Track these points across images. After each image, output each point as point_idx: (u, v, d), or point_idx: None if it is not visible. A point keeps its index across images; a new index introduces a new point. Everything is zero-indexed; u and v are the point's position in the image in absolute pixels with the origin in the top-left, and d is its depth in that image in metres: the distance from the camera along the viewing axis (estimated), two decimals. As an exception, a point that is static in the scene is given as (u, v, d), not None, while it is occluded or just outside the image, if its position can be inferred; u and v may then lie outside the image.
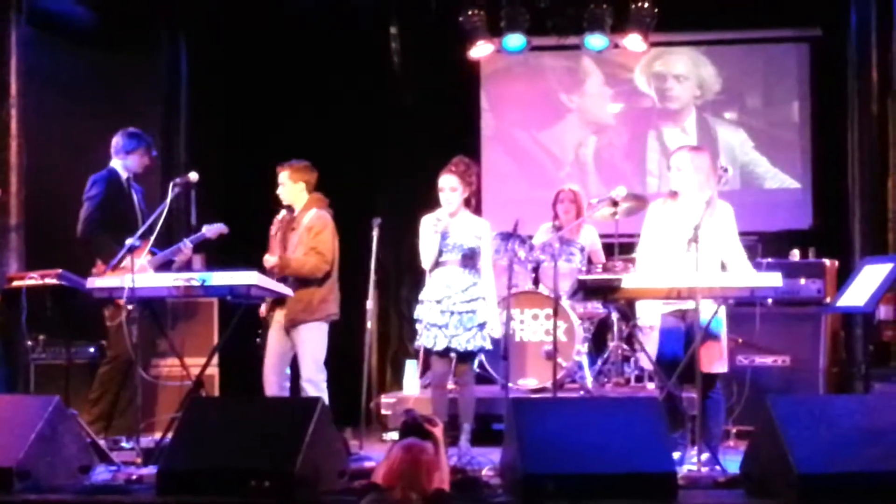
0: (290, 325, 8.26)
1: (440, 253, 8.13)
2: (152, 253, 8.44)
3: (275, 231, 8.49)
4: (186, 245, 8.70)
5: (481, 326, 8.08)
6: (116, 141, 8.84)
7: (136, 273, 7.63)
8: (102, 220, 8.64)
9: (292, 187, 8.42)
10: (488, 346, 8.21)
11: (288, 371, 8.37)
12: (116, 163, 8.82)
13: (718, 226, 7.37)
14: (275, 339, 8.34)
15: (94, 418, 8.33)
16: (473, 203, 8.28)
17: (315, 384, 8.24)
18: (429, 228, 8.09)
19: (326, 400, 8.12)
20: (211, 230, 8.79)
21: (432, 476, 5.49)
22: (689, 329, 7.33)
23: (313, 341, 8.29)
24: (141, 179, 9.09)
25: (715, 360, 7.32)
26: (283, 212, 8.49)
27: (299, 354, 8.31)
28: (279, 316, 8.29)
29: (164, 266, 8.57)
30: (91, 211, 8.67)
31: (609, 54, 11.34)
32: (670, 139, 11.68)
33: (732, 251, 7.42)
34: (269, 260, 8.20)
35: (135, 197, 8.88)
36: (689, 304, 7.29)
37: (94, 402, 8.49)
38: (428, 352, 8.28)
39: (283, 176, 8.42)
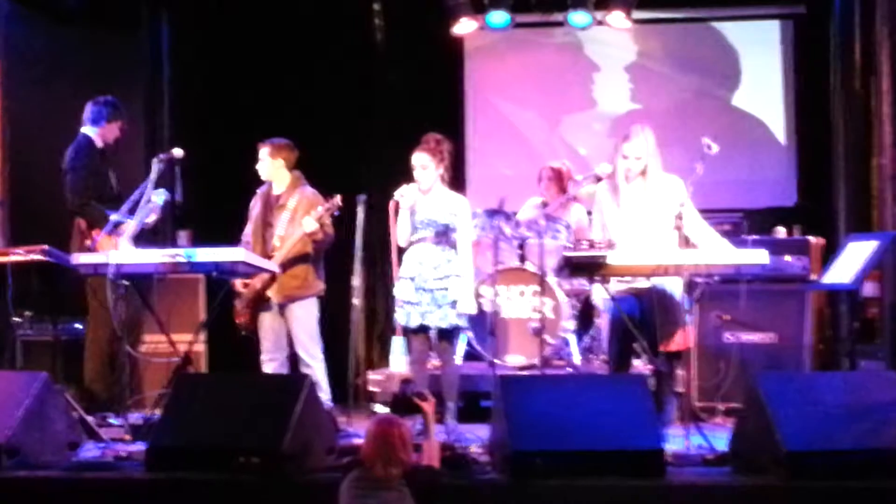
0: (285, 301, 8.28)
1: (414, 230, 8.13)
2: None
3: (254, 205, 8.49)
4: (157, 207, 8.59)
5: (454, 304, 8.08)
6: (88, 109, 8.76)
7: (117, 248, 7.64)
8: (91, 188, 8.59)
9: (271, 164, 8.43)
10: (463, 323, 8.24)
11: (287, 348, 8.42)
12: (90, 130, 8.73)
13: (669, 200, 7.36)
14: (269, 319, 8.37)
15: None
16: (448, 179, 8.26)
17: (314, 357, 8.32)
18: (400, 205, 8.10)
19: (325, 372, 8.21)
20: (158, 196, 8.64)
21: (408, 449, 5.51)
22: (642, 305, 7.38)
23: (308, 316, 8.36)
24: (125, 155, 9.06)
25: (676, 338, 7.36)
26: (263, 187, 8.49)
27: (294, 330, 8.34)
28: (271, 291, 8.29)
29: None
30: (80, 179, 8.58)
31: (592, 31, 11.31)
32: (657, 115, 11.68)
33: (693, 223, 7.41)
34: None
35: (108, 166, 8.80)
36: (642, 283, 7.34)
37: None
38: (404, 329, 8.29)
39: (263, 153, 8.43)
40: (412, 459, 5.60)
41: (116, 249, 7.59)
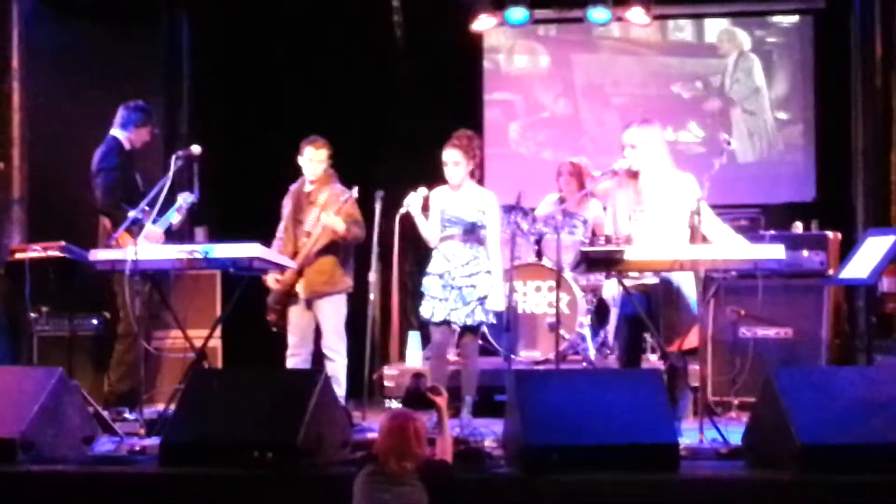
0: (312, 297, 8.33)
1: (443, 227, 8.14)
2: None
3: (286, 203, 8.53)
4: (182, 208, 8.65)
5: (481, 300, 8.10)
6: (122, 113, 8.81)
7: (151, 243, 7.66)
8: (121, 190, 8.62)
9: (324, 163, 8.46)
10: (491, 319, 8.26)
11: (311, 344, 8.46)
12: (119, 133, 8.79)
13: (683, 197, 7.34)
14: (297, 314, 8.42)
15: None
16: (478, 175, 8.28)
17: (338, 353, 8.38)
18: (432, 204, 8.10)
19: (345, 366, 8.26)
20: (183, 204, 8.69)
21: (422, 443, 5.52)
22: (650, 301, 7.38)
23: (335, 313, 8.42)
24: (143, 152, 9.08)
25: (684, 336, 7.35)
26: (295, 185, 8.52)
27: (321, 326, 8.40)
28: (298, 287, 8.33)
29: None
30: (113, 181, 8.64)
31: (612, 26, 11.29)
32: (675, 111, 11.67)
33: (708, 220, 7.37)
34: (335, 220, 8.20)
35: (135, 169, 8.85)
36: (650, 279, 7.35)
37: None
38: (427, 322, 8.29)
39: (322, 154, 8.44)
40: (426, 454, 5.60)
41: (135, 246, 7.59)
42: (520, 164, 11.88)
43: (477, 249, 8.15)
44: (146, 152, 9.14)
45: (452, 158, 8.14)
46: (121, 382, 8.59)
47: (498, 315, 8.40)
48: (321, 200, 8.37)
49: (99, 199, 8.66)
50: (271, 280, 8.39)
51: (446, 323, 8.16)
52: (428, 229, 8.17)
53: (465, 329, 8.19)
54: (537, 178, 10.75)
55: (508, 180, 11.17)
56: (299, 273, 8.29)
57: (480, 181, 8.48)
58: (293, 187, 8.57)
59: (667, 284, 7.35)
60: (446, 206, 8.18)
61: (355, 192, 8.28)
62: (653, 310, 7.39)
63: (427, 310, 8.19)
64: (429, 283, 8.20)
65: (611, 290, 7.67)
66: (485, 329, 8.92)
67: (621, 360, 7.77)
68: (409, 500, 5.48)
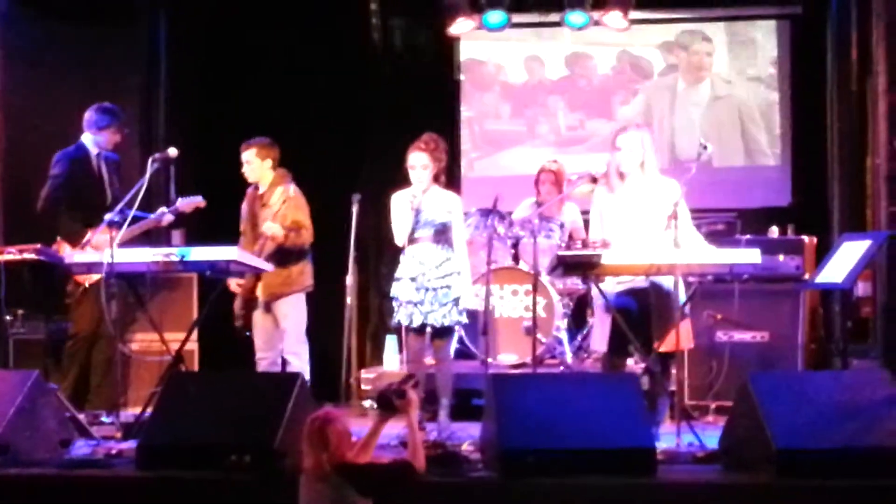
0: (271, 299, 8.35)
1: (413, 230, 8.14)
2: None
3: (245, 203, 8.54)
4: (166, 216, 8.67)
5: (456, 301, 8.11)
6: (89, 115, 8.80)
7: (98, 249, 7.68)
8: (63, 199, 8.65)
9: (260, 165, 8.48)
10: (464, 319, 8.26)
11: (279, 346, 8.46)
12: (87, 137, 8.80)
13: (667, 202, 7.35)
14: (260, 318, 8.45)
15: (67, 394, 8.34)
16: (443, 180, 8.27)
17: (298, 355, 8.39)
18: (401, 206, 8.11)
19: (308, 371, 8.22)
20: (186, 203, 8.75)
21: (342, 443, 5.50)
22: (639, 304, 7.39)
23: (294, 314, 8.43)
24: (120, 154, 9.06)
25: (672, 338, 7.36)
26: (251, 188, 8.55)
27: (282, 328, 8.44)
28: (258, 290, 8.32)
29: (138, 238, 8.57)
30: (51, 189, 8.68)
31: (590, 31, 11.30)
32: (652, 114, 11.70)
33: (682, 226, 7.36)
34: (273, 227, 8.20)
35: (104, 173, 8.83)
36: (640, 282, 7.36)
37: (64, 378, 8.48)
38: (404, 329, 8.29)
39: (250, 154, 8.47)
40: (344, 454, 5.55)
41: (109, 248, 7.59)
42: (498, 168, 11.88)
43: (448, 251, 8.15)
44: (121, 153, 9.11)
45: (420, 162, 8.14)
46: (65, 380, 8.57)
47: (474, 318, 8.41)
48: (273, 201, 8.39)
49: (38, 205, 8.70)
50: (234, 285, 8.39)
51: (423, 328, 8.15)
52: (405, 225, 8.12)
53: (440, 331, 8.18)
54: (515, 183, 10.75)
55: (485, 184, 11.20)
56: (258, 276, 8.29)
57: (456, 184, 8.50)
58: (249, 191, 8.62)
59: (658, 288, 7.35)
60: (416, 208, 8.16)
61: (292, 190, 8.27)
62: (641, 312, 7.39)
63: (404, 316, 8.15)
64: (400, 288, 8.16)
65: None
66: (462, 332, 8.94)
67: (605, 362, 7.72)
68: (329, 498, 5.46)
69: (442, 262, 8.11)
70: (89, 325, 8.52)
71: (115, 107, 8.89)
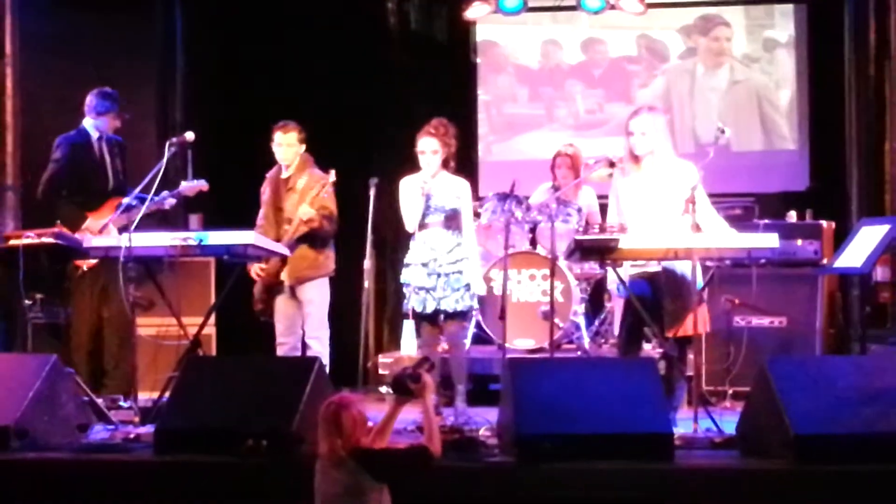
0: (297, 283, 8.37)
1: (423, 216, 8.12)
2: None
3: (265, 190, 8.53)
4: (168, 199, 8.67)
5: (468, 287, 8.10)
6: (89, 100, 8.86)
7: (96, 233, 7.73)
8: (65, 183, 8.72)
9: (297, 148, 8.49)
10: (475, 305, 8.27)
11: (300, 331, 8.49)
12: (88, 122, 8.87)
13: (684, 185, 7.33)
14: (282, 302, 8.45)
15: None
16: (453, 165, 8.25)
17: (319, 340, 8.43)
18: (411, 191, 8.10)
19: (328, 355, 8.23)
20: (189, 188, 8.74)
21: (357, 429, 5.48)
22: (654, 288, 7.38)
23: (320, 297, 8.47)
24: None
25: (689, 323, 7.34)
26: (272, 171, 8.54)
27: (306, 312, 8.45)
28: (283, 275, 8.35)
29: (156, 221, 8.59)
30: (51, 174, 8.79)
31: (607, 14, 11.27)
32: (671, 98, 11.67)
33: (702, 209, 7.34)
34: (310, 212, 8.23)
35: (106, 156, 8.85)
36: (654, 267, 7.35)
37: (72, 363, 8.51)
38: (417, 315, 8.28)
39: (292, 137, 8.46)
40: (361, 439, 5.54)
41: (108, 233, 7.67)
42: (515, 152, 11.86)
43: (458, 236, 8.15)
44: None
45: (430, 147, 8.11)
46: (117, 369, 8.62)
47: (492, 303, 8.40)
48: (300, 186, 8.40)
49: (38, 190, 8.82)
50: (255, 271, 8.41)
51: (437, 314, 8.14)
52: (415, 213, 8.11)
53: (453, 316, 8.17)
54: (533, 167, 10.73)
55: (502, 168, 11.19)
56: (283, 261, 8.30)
57: (474, 169, 8.48)
58: (270, 174, 8.60)
59: (670, 272, 7.34)
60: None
61: (332, 176, 8.28)
62: (656, 296, 7.38)
63: (416, 302, 8.14)
64: (411, 274, 8.15)
65: (614, 277, 7.66)
66: (479, 317, 8.94)
67: (620, 347, 7.74)
68: (343, 484, 5.45)
69: (453, 248, 8.11)
70: (87, 310, 8.54)
71: (114, 92, 8.91)
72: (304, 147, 8.51)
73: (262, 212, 8.57)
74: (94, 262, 8.22)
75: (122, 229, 8.21)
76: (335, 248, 8.59)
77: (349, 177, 8.59)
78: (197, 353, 7.78)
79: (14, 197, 9.30)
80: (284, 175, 8.50)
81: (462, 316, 8.24)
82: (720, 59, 11.76)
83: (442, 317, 8.15)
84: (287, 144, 8.46)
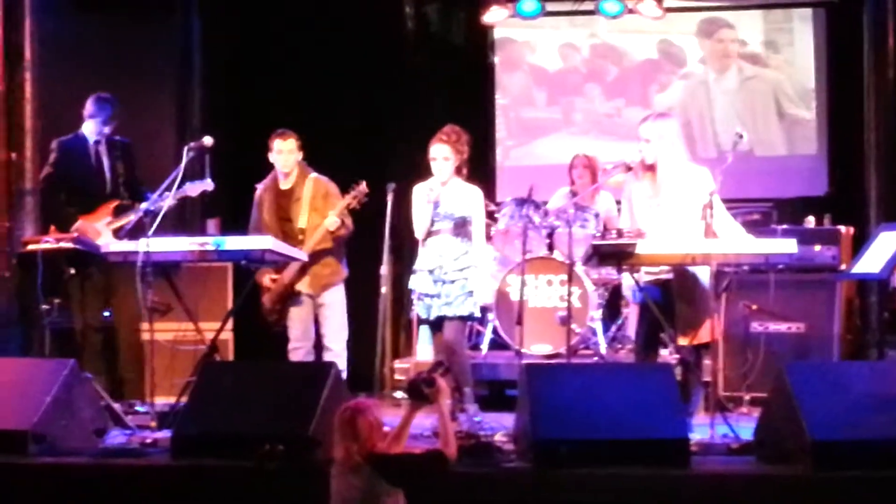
0: (321, 291, 8.42)
1: (432, 222, 8.11)
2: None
3: (262, 201, 8.55)
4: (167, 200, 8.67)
5: (471, 293, 8.06)
6: (87, 105, 8.87)
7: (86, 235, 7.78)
8: (58, 186, 8.76)
9: (297, 155, 8.54)
10: (477, 312, 8.21)
11: (313, 336, 8.53)
12: (86, 126, 8.87)
13: (697, 191, 7.31)
14: (298, 309, 8.49)
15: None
16: (465, 172, 8.23)
17: (339, 343, 8.50)
18: (421, 198, 8.09)
19: (345, 359, 8.31)
20: (193, 188, 8.73)
21: (374, 434, 5.49)
22: (667, 294, 7.37)
23: (340, 303, 8.57)
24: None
25: (703, 330, 7.32)
26: (266, 181, 8.59)
27: (326, 317, 8.52)
28: (302, 285, 8.36)
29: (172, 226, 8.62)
30: (44, 177, 8.87)
31: (624, 19, 11.27)
32: (688, 103, 11.66)
33: (719, 215, 7.33)
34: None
35: (104, 160, 8.84)
36: (667, 275, 7.36)
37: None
38: (422, 322, 8.26)
39: (292, 144, 8.52)
40: (377, 444, 5.54)
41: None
42: (533, 157, 11.85)
43: (467, 244, 8.10)
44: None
45: (442, 154, 8.08)
46: (127, 373, 8.65)
47: (509, 308, 8.37)
48: (307, 195, 8.43)
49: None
50: (267, 281, 8.42)
51: (441, 321, 8.12)
52: (424, 220, 8.10)
53: (451, 319, 8.08)
54: (551, 173, 10.73)
55: (520, 174, 11.18)
56: (302, 272, 8.35)
57: (491, 174, 8.47)
58: (265, 184, 8.63)
59: (683, 278, 7.33)
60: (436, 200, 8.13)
61: (363, 187, 8.30)
62: (670, 302, 7.37)
63: (422, 309, 8.14)
64: (417, 281, 8.13)
65: (628, 283, 7.66)
66: (496, 323, 8.93)
67: (637, 353, 7.74)
68: (359, 489, 5.46)
69: (460, 256, 8.06)
70: (78, 311, 8.56)
71: (110, 96, 8.90)
72: (301, 154, 8.53)
73: (256, 222, 8.58)
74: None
75: (131, 233, 8.21)
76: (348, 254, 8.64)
77: (367, 182, 8.58)
78: (214, 357, 7.80)
79: (33, 201, 9.32)
80: (284, 185, 8.56)
81: (462, 320, 8.16)
82: (726, 60, 11.76)
83: (445, 321, 8.13)
84: (287, 151, 8.50)
